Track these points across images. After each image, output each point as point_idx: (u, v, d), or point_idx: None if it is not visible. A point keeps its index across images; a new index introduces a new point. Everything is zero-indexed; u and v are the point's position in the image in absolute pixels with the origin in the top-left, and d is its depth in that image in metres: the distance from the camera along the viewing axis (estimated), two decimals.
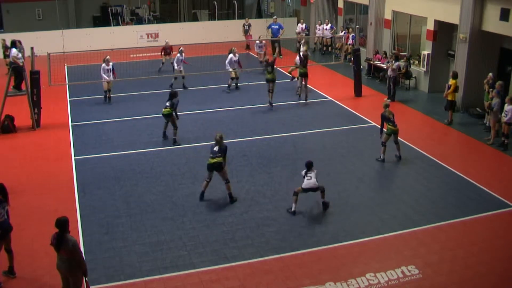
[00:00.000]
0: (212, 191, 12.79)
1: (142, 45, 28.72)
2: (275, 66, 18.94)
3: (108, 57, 19.49)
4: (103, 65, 19.32)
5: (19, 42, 21.80)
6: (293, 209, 11.71)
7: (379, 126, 14.60)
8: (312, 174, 11.62)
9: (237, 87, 21.27)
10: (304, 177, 11.67)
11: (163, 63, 23.86)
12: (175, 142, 15.63)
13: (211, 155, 12.02)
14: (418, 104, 19.80)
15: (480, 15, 17.67)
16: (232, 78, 21.10)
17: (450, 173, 13.85)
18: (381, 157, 14.40)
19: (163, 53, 23.86)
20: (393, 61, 20.00)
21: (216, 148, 12.02)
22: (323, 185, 11.81)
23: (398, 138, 14.49)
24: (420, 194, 12.69)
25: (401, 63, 21.74)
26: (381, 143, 14.43)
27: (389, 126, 14.25)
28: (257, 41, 24.86)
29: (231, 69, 20.90)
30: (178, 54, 21.30)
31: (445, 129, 17.17)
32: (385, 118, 14.27)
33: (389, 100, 16.13)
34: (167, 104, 15.47)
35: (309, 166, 11.71)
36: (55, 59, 19.00)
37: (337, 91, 20.82)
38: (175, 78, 21.36)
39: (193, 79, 22.29)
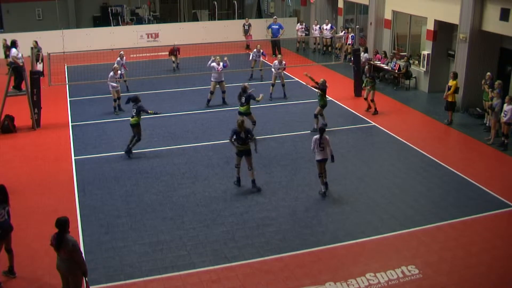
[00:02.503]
0: (211, 191, 12.81)
1: (142, 45, 28.75)
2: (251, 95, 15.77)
3: (116, 65, 18.54)
4: (111, 73, 18.20)
5: (36, 42, 21.77)
6: (323, 190, 12.43)
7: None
8: (325, 144, 12.16)
9: (224, 102, 19.22)
10: (316, 146, 12.12)
11: (174, 62, 23.96)
12: (128, 152, 14.71)
13: (240, 142, 12.58)
14: (418, 104, 19.80)
15: (480, 15, 17.67)
16: (212, 93, 18.95)
17: (450, 173, 13.85)
18: (314, 127, 16.11)
19: (169, 54, 23.98)
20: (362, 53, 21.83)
21: (242, 135, 12.51)
22: (332, 154, 12.34)
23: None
24: (420, 194, 12.69)
25: (401, 63, 21.81)
26: (314, 115, 16.36)
27: (324, 99, 16.25)
28: (255, 50, 22.82)
29: (213, 80, 18.88)
30: (118, 58, 20.12)
31: (445, 129, 17.18)
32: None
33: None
34: (133, 112, 14.52)
35: (322, 132, 12.16)
36: (55, 59, 18.98)
37: (337, 91, 20.80)
38: (118, 98, 19.07)
39: (193, 79, 22.32)
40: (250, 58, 23.00)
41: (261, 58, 22.92)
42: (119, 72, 18.30)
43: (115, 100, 18.46)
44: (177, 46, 23.82)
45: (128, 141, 14.86)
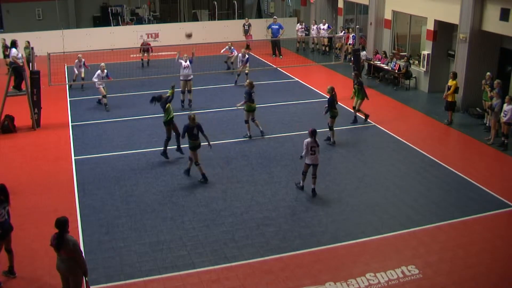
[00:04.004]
0: (211, 190, 12.81)
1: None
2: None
3: (103, 64, 18.95)
4: (99, 72, 18.70)
5: (28, 42, 21.97)
6: (301, 184, 12.61)
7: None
8: (317, 149, 12.23)
9: (189, 105, 18.88)
10: (309, 149, 12.12)
11: (142, 59, 24.84)
12: (179, 150, 14.51)
13: (192, 138, 13.01)
14: (418, 104, 19.80)
15: (480, 15, 17.67)
16: (183, 92, 18.78)
17: (450, 173, 13.85)
18: (331, 139, 15.72)
19: (142, 50, 24.89)
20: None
21: (195, 131, 13.01)
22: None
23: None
24: (420, 194, 12.69)
25: (401, 63, 21.83)
26: (329, 128, 15.68)
27: (333, 110, 15.50)
28: (227, 47, 23.56)
29: (182, 79, 18.72)
30: (76, 60, 20.54)
31: (445, 129, 17.18)
32: (331, 102, 15.50)
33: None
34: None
35: (314, 135, 12.20)
36: (55, 59, 18.98)
37: (337, 91, 20.67)
38: (104, 96, 19.10)
39: (193, 79, 22.31)
40: (222, 51, 23.66)
41: (235, 54, 23.48)
42: (105, 70, 18.79)
43: (104, 96, 18.90)
44: (148, 43, 24.86)
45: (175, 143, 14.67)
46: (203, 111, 18.74)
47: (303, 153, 12.31)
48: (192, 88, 19.04)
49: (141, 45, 25.43)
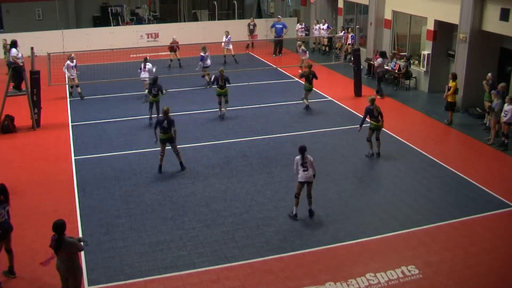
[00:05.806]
0: (211, 191, 12.81)
1: (142, 45, 28.71)
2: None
3: (73, 55, 19.99)
4: (68, 62, 19.69)
5: (5, 40, 22.07)
6: (294, 212, 11.51)
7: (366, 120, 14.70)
8: (308, 164, 11.32)
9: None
10: (299, 166, 11.30)
11: (171, 60, 24.21)
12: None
13: (162, 131, 13.40)
14: (418, 104, 19.80)
15: (480, 15, 17.67)
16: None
17: (450, 173, 13.85)
18: (370, 153, 14.70)
19: (169, 50, 24.33)
20: (377, 58, 20.93)
21: (165, 124, 13.35)
22: (315, 173, 11.45)
23: (380, 134, 14.74)
24: (420, 194, 12.69)
25: (401, 63, 21.81)
26: (366, 139, 14.67)
27: (371, 121, 14.57)
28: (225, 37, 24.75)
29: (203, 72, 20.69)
30: (68, 61, 19.94)
31: (445, 129, 17.18)
32: (370, 112, 14.46)
33: (378, 96, 16.14)
34: (153, 91, 16.86)
35: (303, 152, 11.32)
36: (55, 59, 18.99)
37: (337, 91, 20.83)
38: (77, 86, 20.25)
39: (193, 79, 22.30)
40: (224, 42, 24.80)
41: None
42: (74, 61, 19.92)
43: (72, 87, 20.25)
44: (176, 41, 24.27)
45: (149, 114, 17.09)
46: (203, 111, 18.74)
47: (294, 171, 11.52)
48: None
49: (170, 43, 24.64)
